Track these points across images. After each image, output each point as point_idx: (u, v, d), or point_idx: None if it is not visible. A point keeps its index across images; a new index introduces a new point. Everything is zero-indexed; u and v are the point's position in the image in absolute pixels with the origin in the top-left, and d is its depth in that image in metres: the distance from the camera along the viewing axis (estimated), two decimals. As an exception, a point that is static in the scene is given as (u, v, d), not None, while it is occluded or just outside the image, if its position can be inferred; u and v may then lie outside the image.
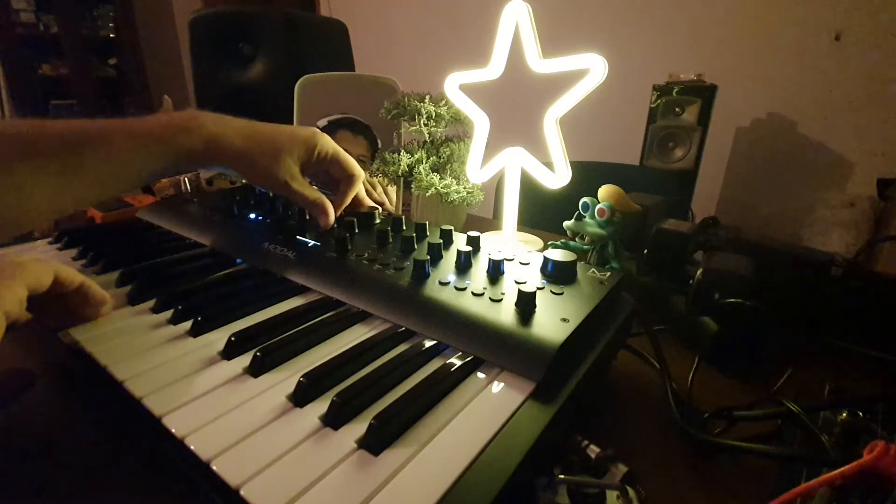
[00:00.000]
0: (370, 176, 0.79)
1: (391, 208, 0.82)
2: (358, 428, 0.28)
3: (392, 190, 0.82)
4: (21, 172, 0.37)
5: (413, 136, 0.76)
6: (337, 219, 0.53)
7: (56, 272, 0.35)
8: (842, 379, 0.45)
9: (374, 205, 0.59)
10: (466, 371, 0.34)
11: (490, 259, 0.42)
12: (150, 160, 0.44)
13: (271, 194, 0.64)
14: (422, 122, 0.72)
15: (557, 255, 0.43)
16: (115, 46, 3.16)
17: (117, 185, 0.43)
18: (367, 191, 0.71)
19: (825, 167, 1.71)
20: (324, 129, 0.95)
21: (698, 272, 0.50)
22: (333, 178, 0.56)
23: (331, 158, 0.54)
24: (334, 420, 0.29)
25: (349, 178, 0.55)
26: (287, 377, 0.33)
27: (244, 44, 1.27)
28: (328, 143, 0.53)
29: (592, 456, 0.31)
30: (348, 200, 0.55)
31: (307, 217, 0.53)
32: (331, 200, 0.54)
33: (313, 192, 0.52)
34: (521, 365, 0.33)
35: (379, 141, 1.00)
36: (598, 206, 0.62)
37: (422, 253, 0.45)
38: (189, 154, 0.45)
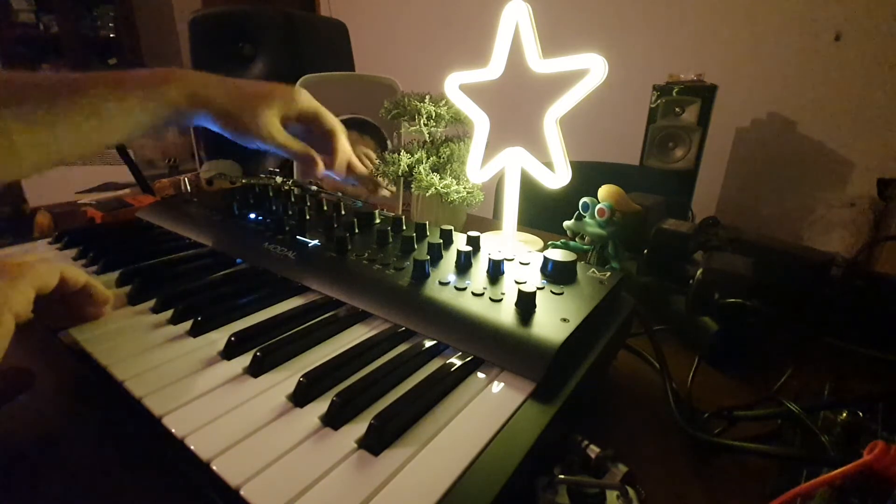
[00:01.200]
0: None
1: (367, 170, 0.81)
2: (358, 428, 0.28)
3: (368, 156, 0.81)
4: (6, 118, 0.38)
5: (413, 136, 0.76)
6: (335, 216, 0.53)
7: (62, 272, 0.35)
8: (842, 379, 0.45)
9: (363, 169, 0.60)
10: (466, 371, 0.34)
11: (490, 259, 0.42)
12: (135, 111, 0.44)
13: (271, 193, 0.64)
14: (422, 122, 0.72)
15: (557, 255, 0.43)
16: (115, 46, 3.16)
17: (101, 135, 0.43)
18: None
19: (825, 167, 1.71)
20: None
21: (698, 272, 0.50)
22: (314, 135, 0.57)
23: (310, 112, 0.55)
24: (334, 420, 0.29)
25: (330, 134, 0.56)
26: (287, 377, 0.33)
27: (244, 44, 1.27)
28: (307, 98, 0.55)
29: (592, 456, 0.31)
30: (341, 155, 0.57)
31: (301, 177, 0.55)
32: (324, 160, 0.55)
33: (297, 143, 0.53)
34: (521, 365, 0.33)
35: (389, 142, 1.00)
36: (598, 206, 0.62)
37: (422, 253, 0.45)
38: (173, 106, 0.46)
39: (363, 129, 0.98)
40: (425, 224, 0.51)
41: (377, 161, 0.78)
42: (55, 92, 0.41)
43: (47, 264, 0.35)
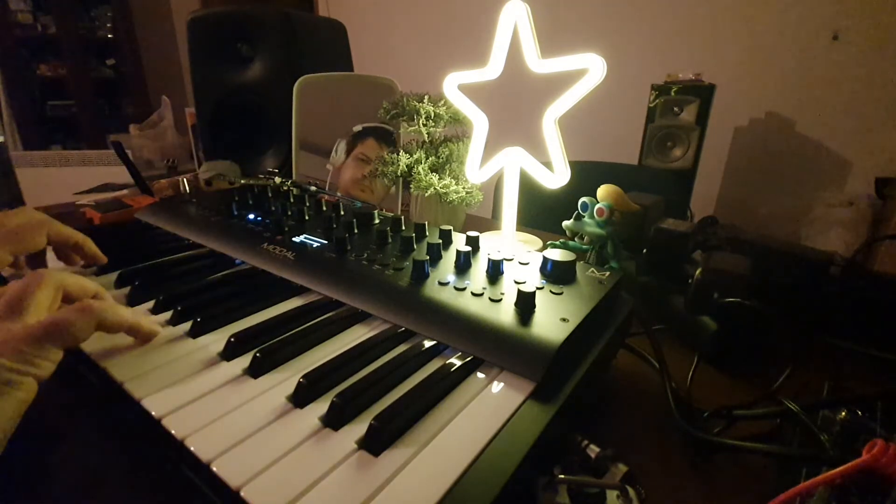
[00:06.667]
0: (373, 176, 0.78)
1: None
2: (358, 429, 0.28)
3: None
4: None
5: (412, 137, 0.76)
6: (334, 216, 0.54)
7: (48, 228, 0.39)
8: (841, 378, 0.45)
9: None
10: (466, 371, 0.34)
11: (489, 259, 0.42)
12: None
13: (270, 194, 0.64)
14: (420, 122, 0.72)
15: (557, 254, 0.43)
16: (113, 47, 3.15)
17: None
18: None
19: (824, 167, 1.71)
20: (357, 134, 0.95)
21: (697, 272, 0.50)
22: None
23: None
24: (334, 421, 0.29)
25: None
26: (287, 378, 0.33)
27: (243, 44, 1.26)
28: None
29: (592, 456, 0.31)
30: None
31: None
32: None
33: None
34: (521, 365, 0.33)
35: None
36: (597, 206, 0.62)
37: (421, 253, 0.45)
38: None
39: (381, 139, 0.93)
40: (424, 224, 0.51)
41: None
42: None
43: (32, 228, 0.38)
